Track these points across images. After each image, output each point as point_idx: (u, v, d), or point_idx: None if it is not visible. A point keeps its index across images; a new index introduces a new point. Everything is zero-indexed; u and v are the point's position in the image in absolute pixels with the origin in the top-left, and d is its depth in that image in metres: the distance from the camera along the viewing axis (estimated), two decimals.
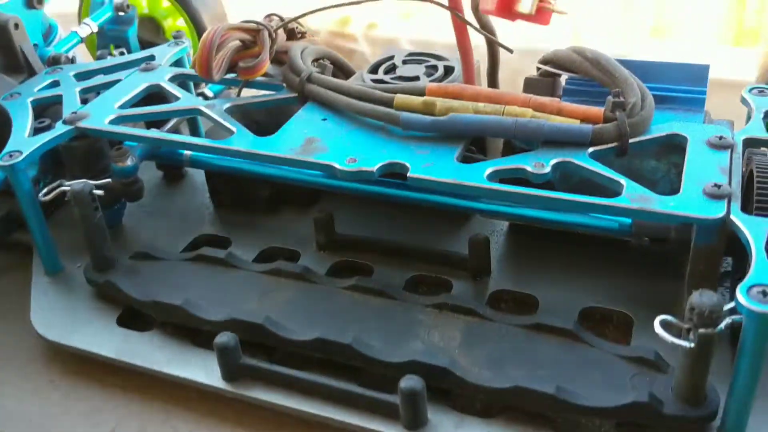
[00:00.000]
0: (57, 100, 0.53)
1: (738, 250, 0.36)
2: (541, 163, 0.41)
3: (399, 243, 0.49)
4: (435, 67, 0.53)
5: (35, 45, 0.60)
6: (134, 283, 0.46)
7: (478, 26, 0.47)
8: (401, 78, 0.52)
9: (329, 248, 0.50)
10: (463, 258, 0.47)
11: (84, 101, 0.52)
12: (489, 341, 0.40)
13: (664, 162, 0.43)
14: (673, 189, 0.41)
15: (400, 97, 0.45)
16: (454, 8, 0.46)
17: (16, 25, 0.57)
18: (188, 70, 0.56)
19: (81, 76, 0.56)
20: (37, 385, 0.45)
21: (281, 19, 0.53)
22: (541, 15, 0.40)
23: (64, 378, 0.45)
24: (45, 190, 0.46)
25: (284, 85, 0.51)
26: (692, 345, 0.32)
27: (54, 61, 0.59)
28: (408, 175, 0.41)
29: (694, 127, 0.42)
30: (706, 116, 0.45)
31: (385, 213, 0.52)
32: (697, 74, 0.46)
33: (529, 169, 0.40)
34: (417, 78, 0.52)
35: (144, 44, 0.68)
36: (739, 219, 0.35)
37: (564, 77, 0.48)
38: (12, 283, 0.53)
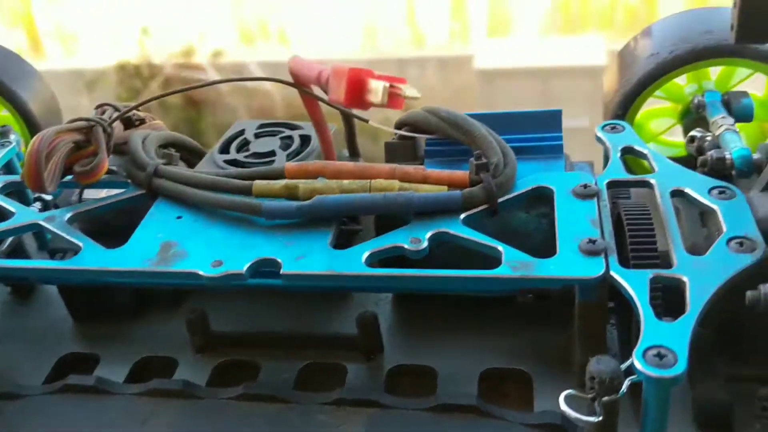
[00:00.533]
0: None
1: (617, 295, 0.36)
2: (417, 238, 0.39)
3: (282, 333, 0.47)
4: (290, 138, 0.51)
5: None
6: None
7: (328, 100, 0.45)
8: (256, 155, 0.49)
9: (207, 350, 0.47)
10: (352, 338, 0.45)
11: None
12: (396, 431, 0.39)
13: (533, 213, 0.43)
14: (546, 238, 0.41)
15: (258, 184, 0.43)
16: (302, 85, 0.44)
17: None
18: (11, 177, 0.50)
19: None
20: None
21: (115, 108, 0.49)
22: (393, 101, 0.38)
23: None
24: None
25: (129, 181, 0.47)
26: (600, 418, 0.32)
27: None
28: (281, 272, 0.39)
29: (557, 176, 0.42)
30: (566, 160, 0.46)
31: (260, 301, 0.49)
32: (551, 120, 0.46)
33: (406, 246, 0.39)
34: (273, 153, 0.49)
35: None
36: (619, 275, 0.35)
37: (423, 138, 0.47)
38: None
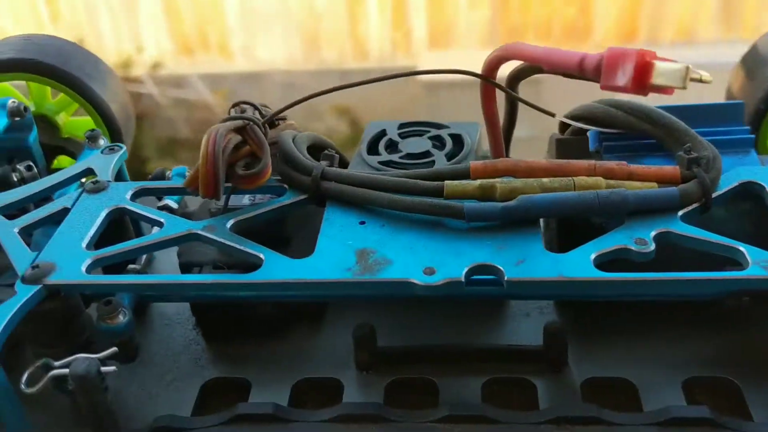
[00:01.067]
0: None
1: None
2: (642, 239, 0.36)
3: (457, 346, 0.43)
4: (439, 138, 0.47)
5: None
6: None
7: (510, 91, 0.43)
8: (411, 156, 0.46)
9: (373, 367, 0.43)
10: (536, 350, 0.42)
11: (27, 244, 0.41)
12: None
13: (733, 210, 0.41)
14: (746, 237, 0.39)
15: (450, 185, 0.39)
16: (488, 77, 0.41)
17: None
18: (149, 183, 0.46)
19: (8, 210, 0.44)
20: None
21: (254, 107, 0.45)
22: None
23: None
24: (27, 378, 0.35)
25: (285, 186, 0.43)
26: None
27: None
28: (506, 279, 0.35)
29: (761, 171, 0.40)
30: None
31: (408, 313, 0.46)
32: (734, 112, 0.44)
33: (633, 248, 0.36)
34: (429, 153, 0.46)
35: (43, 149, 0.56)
36: None
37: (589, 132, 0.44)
38: None
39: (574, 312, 0.46)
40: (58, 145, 0.59)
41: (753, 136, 0.43)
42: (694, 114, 0.44)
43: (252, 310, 0.46)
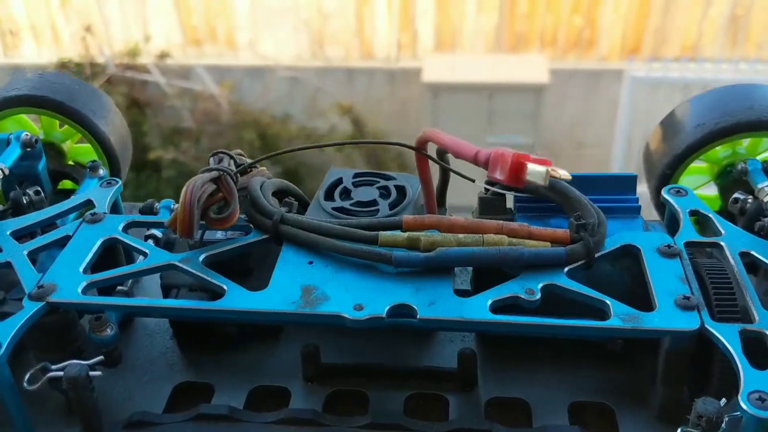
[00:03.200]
0: (4, 268, 0.49)
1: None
2: (531, 289, 0.45)
3: (387, 365, 0.52)
4: (386, 188, 0.56)
5: None
6: None
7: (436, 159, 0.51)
8: (359, 203, 0.55)
9: (317, 379, 0.52)
10: (451, 372, 0.51)
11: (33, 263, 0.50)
12: None
13: (616, 266, 0.50)
14: (627, 288, 0.48)
15: (384, 235, 0.48)
16: (419, 148, 0.50)
17: None
18: (138, 217, 0.54)
19: (18, 234, 0.53)
20: None
21: (230, 156, 0.54)
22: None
23: None
24: (29, 378, 0.44)
25: (251, 225, 0.52)
26: None
27: None
28: (418, 317, 0.44)
29: (642, 236, 0.49)
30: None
31: (352, 336, 0.54)
32: (627, 183, 0.53)
33: (522, 296, 0.45)
34: (375, 202, 0.55)
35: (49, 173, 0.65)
36: (713, 328, 0.42)
37: (509, 195, 0.53)
38: None
39: (490, 341, 0.55)
40: (63, 170, 0.68)
41: (639, 205, 0.52)
42: (596, 183, 0.53)
43: (220, 326, 0.54)
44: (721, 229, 0.50)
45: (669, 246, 0.48)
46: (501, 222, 0.49)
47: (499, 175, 0.44)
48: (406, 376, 0.52)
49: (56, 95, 0.66)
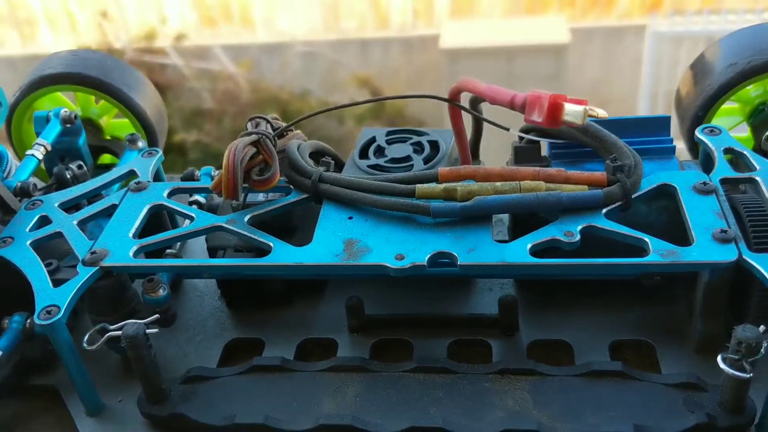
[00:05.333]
0: (56, 238, 0.51)
1: None
2: (570, 231, 0.46)
3: (429, 315, 0.53)
4: (419, 144, 0.57)
5: None
6: (200, 409, 0.47)
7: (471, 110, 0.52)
8: (394, 160, 0.56)
9: (362, 330, 0.53)
10: (492, 318, 0.52)
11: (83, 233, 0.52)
12: (556, 396, 0.45)
13: (653, 207, 0.50)
14: (664, 227, 0.48)
15: (421, 188, 0.49)
16: (453, 99, 0.50)
17: None
18: (182, 183, 0.56)
19: (66, 206, 0.54)
20: None
21: (266, 120, 0.55)
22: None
23: None
24: (88, 339, 0.46)
25: (290, 186, 0.53)
26: (751, 374, 0.39)
27: (23, 192, 0.57)
28: (459, 263, 0.45)
29: (676, 175, 0.49)
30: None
31: (393, 289, 0.56)
32: (660, 124, 0.53)
33: (562, 239, 0.46)
34: (409, 158, 0.55)
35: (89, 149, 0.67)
36: (751, 258, 0.43)
37: (544, 142, 0.54)
38: (45, 428, 0.51)
39: (528, 287, 0.56)
40: (102, 145, 0.69)
41: (674, 145, 0.52)
42: (630, 125, 0.53)
43: (266, 284, 0.56)
44: (756, 164, 0.50)
45: (705, 183, 0.48)
46: (537, 168, 0.49)
47: (536, 117, 0.45)
48: (448, 324, 0.53)
49: (91, 71, 0.67)
